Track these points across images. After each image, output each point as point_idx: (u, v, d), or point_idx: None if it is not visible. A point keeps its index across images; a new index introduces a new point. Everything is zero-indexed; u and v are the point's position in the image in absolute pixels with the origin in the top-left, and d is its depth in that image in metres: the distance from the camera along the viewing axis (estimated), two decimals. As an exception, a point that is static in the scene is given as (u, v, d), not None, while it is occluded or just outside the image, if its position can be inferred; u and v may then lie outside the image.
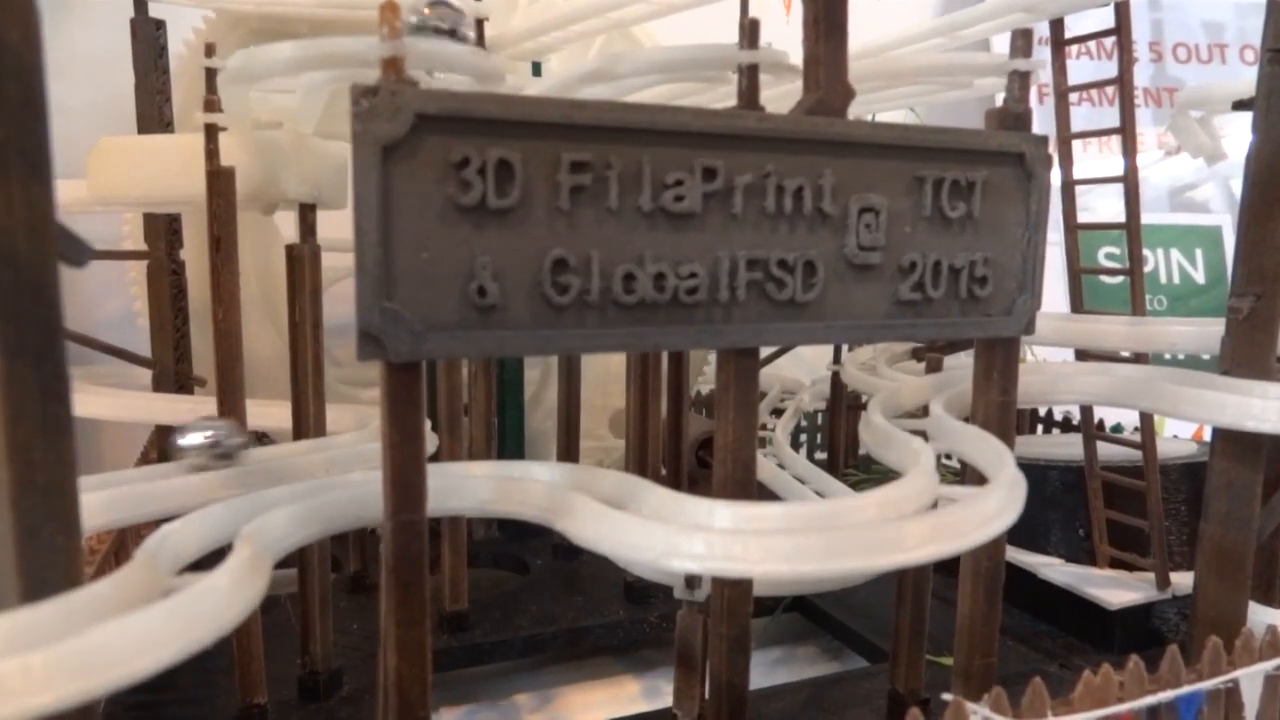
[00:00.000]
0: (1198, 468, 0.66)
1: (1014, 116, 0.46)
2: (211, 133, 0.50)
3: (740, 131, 0.39)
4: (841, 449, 0.99)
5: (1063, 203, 0.65)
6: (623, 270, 0.38)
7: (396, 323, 0.35)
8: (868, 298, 0.44)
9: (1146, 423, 0.64)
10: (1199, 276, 1.43)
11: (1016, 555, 0.72)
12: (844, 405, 0.98)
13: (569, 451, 0.85)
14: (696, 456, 0.93)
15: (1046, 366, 0.62)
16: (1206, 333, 0.53)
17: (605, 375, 0.97)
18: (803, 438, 1.10)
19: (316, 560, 0.65)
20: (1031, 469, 0.79)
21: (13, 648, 0.24)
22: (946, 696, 0.38)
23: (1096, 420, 0.70)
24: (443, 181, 0.35)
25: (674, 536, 0.34)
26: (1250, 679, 0.44)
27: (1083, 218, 0.65)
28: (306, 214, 0.55)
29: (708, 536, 0.34)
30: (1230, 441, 0.49)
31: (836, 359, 0.97)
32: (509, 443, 0.91)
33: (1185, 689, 0.42)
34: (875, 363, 0.94)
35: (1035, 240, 0.47)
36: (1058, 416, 0.98)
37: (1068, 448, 0.76)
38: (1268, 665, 0.44)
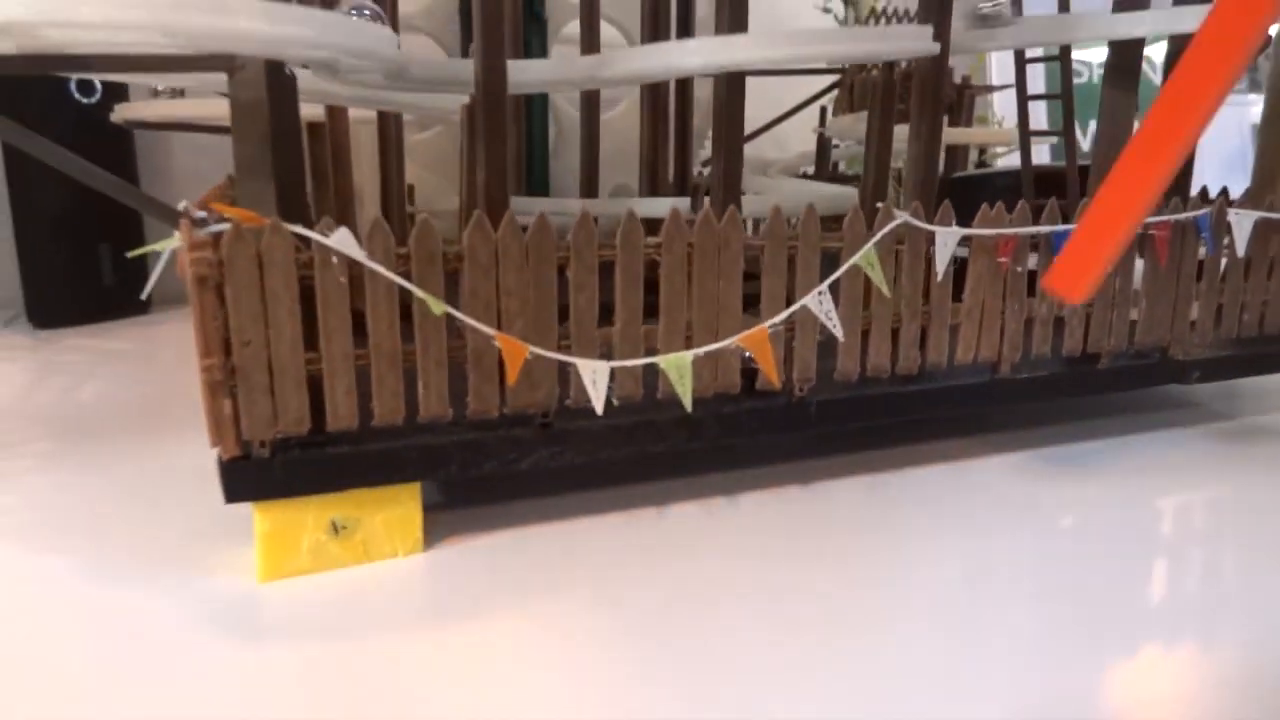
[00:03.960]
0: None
1: None
2: None
3: None
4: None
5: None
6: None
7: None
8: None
9: (1068, 115, 0.78)
10: (1086, 144, 1.52)
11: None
12: (829, 165, 1.11)
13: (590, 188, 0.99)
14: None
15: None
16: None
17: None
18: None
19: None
20: (983, 177, 0.94)
21: None
22: (880, 205, 0.53)
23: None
24: None
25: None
26: (1111, 230, 0.59)
27: None
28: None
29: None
30: (1115, 71, 0.63)
31: (822, 121, 1.10)
32: (536, 186, 1.05)
33: (1060, 227, 0.57)
34: (856, 122, 1.07)
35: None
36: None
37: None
38: (1125, 221, 0.59)
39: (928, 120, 0.62)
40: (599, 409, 0.45)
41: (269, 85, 0.42)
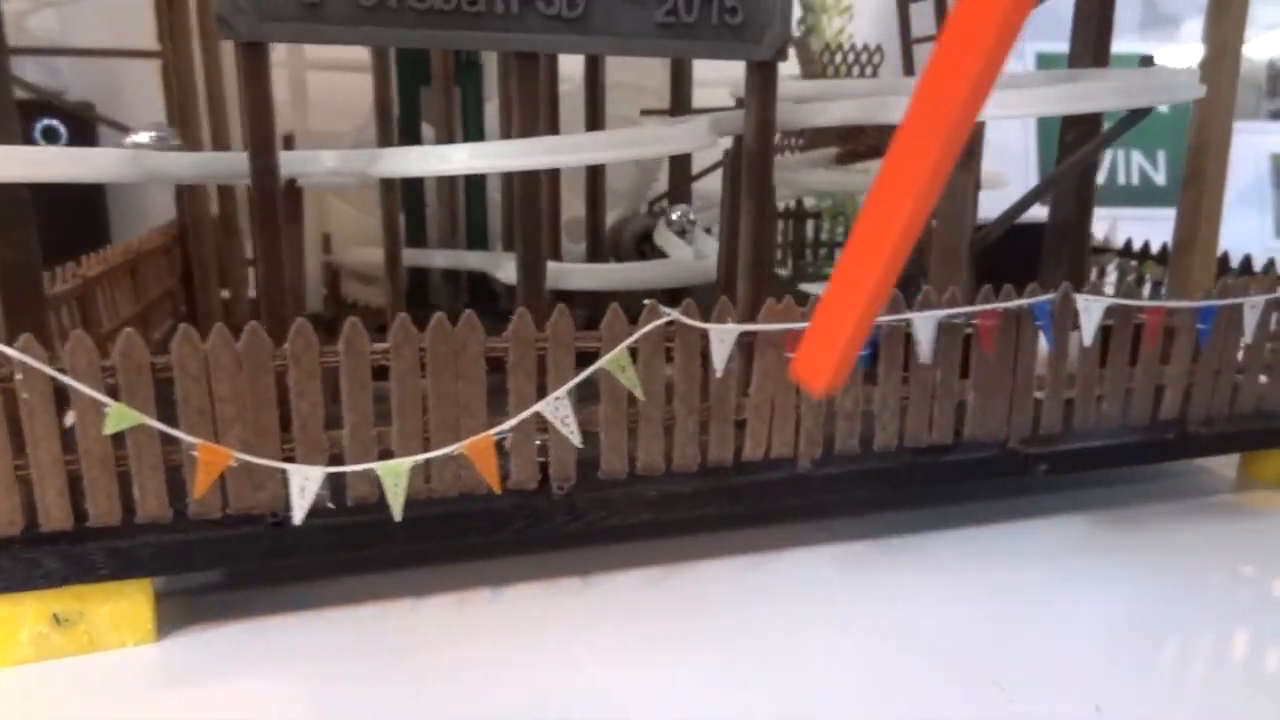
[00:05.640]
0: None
1: None
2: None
3: None
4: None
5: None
6: (413, -19, 0.51)
7: (244, 12, 0.49)
8: (631, 19, 0.56)
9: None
10: (1159, 178, 1.42)
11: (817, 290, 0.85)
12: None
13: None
14: (639, 249, 1.07)
15: (817, 91, 0.73)
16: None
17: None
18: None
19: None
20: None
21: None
22: (647, 301, 0.52)
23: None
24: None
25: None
26: (924, 321, 0.56)
27: None
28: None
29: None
30: (951, 151, 0.60)
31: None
32: (474, 239, 1.06)
33: (859, 321, 0.55)
34: (800, 167, 1.05)
35: (783, -22, 0.58)
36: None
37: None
38: (940, 313, 0.56)
39: (756, 200, 0.60)
40: (298, 517, 0.46)
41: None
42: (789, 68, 1.17)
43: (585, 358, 0.51)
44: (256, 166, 0.52)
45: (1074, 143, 0.70)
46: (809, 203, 1.27)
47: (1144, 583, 0.56)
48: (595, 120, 0.90)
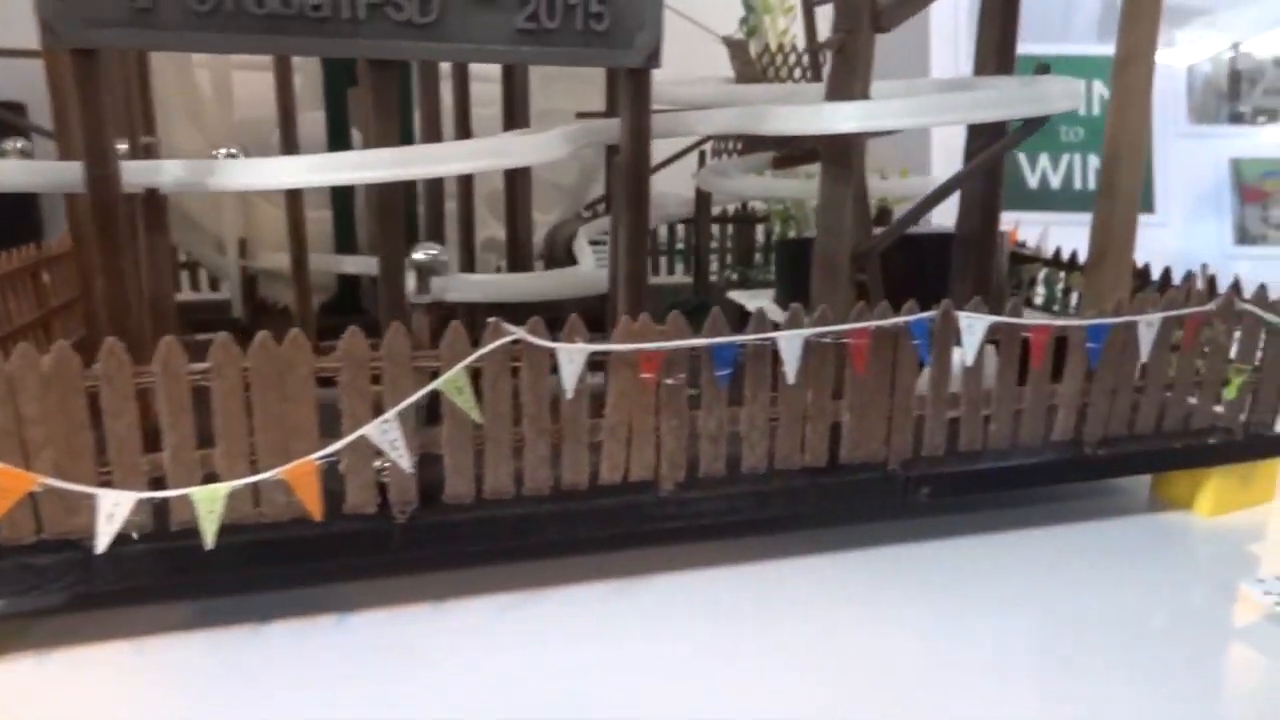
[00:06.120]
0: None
1: None
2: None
3: None
4: (706, 252, 1.07)
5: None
6: (251, -15, 0.49)
7: (67, 17, 0.48)
8: (488, 25, 0.53)
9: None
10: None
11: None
12: (709, 214, 1.06)
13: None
14: (571, 254, 1.05)
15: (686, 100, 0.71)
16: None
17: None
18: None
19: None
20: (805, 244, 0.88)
21: None
22: (491, 319, 0.50)
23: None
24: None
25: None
26: (789, 341, 0.53)
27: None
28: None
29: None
30: (830, 163, 0.58)
31: (702, 163, 1.05)
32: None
33: (721, 339, 0.53)
34: (735, 171, 1.02)
35: (652, -18, 0.56)
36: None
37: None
38: (806, 332, 0.54)
39: (632, 211, 0.58)
40: (101, 545, 0.44)
41: None
42: (725, 70, 1.15)
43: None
44: (92, 176, 0.51)
45: (978, 151, 0.68)
46: (760, 206, 1.24)
47: (1025, 613, 0.54)
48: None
